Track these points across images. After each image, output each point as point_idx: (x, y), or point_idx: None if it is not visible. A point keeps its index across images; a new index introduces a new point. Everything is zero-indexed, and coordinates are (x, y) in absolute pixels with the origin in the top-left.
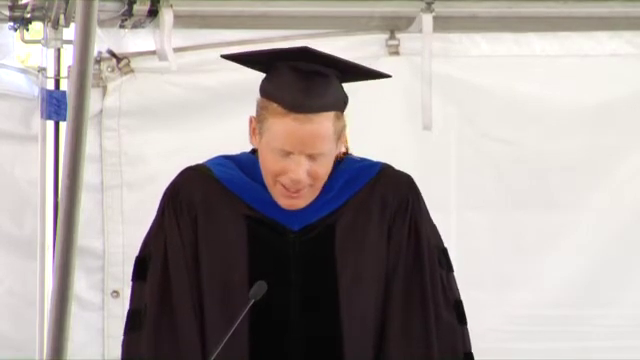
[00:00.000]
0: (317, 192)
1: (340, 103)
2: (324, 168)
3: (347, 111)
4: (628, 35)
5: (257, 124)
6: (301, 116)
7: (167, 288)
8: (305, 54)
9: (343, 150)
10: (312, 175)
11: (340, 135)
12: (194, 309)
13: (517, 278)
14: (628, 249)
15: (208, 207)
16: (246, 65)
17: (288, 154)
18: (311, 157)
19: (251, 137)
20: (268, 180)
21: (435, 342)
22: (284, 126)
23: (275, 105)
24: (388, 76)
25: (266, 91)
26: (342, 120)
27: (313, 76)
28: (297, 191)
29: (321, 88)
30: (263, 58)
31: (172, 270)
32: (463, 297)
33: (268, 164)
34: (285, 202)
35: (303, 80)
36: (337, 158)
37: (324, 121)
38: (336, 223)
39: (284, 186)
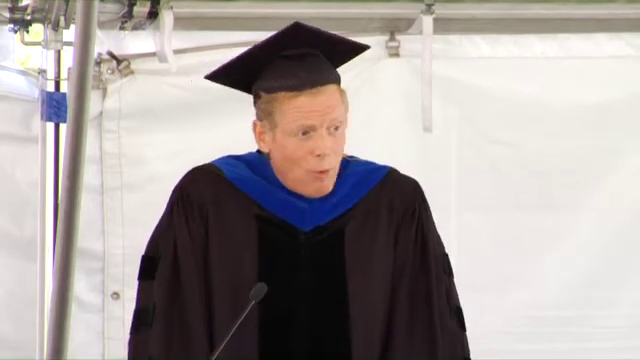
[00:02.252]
0: (335, 177)
1: (337, 77)
2: (342, 145)
3: (348, 113)
4: (628, 37)
5: (265, 122)
6: (312, 90)
7: (177, 287)
8: (294, 31)
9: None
10: (335, 151)
11: (347, 110)
12: (203, 308)
13: (517, 279)
14: (628, 250)
15: (218, 206)
16: (230, 85)
17: (309, 132)
18: (330, 131)
19: (259, 142)
20: (294, 171)
21: (440, 346)
22: (300, 105)
23: (282, 93)
24: (366, 47)
25: (266, 87)
26: (345, 95)
27: (304, 57)
28: (325, 171)
29: (316, 65)
30: (255, 52)
31: (182, 269)
32: (463, 299)
33: (291, 152)
34: (316, 186)
35: (298, 63)
36: (343, 159)
37: (332, 91)
38: (346, 226)
39: (312, 170)
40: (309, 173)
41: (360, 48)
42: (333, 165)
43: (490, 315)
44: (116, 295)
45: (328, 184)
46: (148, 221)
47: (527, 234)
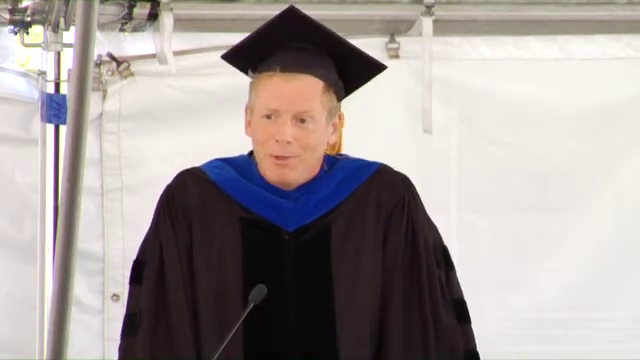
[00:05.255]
0: (308, 168)
1: (330, 77)
2: (313, 137)
3: (348, 115)
4: (627, 38)
5: (249, 107)
6: (287, 75)
7: (163, 291)
8: (290, 13)
9: (334, 140)
10: (300, 142)
11: (330, 112)
12: (189, 312)
13: (517, 281)
14: (628, 252)
15: (203, 210)
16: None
17: (273, 116)
18: (297, 121)
19: (246, 129)
20: (259, 153)
21: (433, 345)
22: (271, 85)
23: (265, 73)
24: (383, 67)
25: (259, 68)
26: (334, 100)
27: (303, 49)
28: (285, 159)
29: (310, 56)
30: (260, 36)
31: (167, 274)
32: None
33: (257, 135)
34: (275, 172)
35: (294, 51)
36: (332, 153)
37: (310, 82)
38: (332, 224)
39: (272, 155)
40: (270, 158)
41: (378, 67)
42: (295, 154)
43: (489, 316)
44: (116, 297)
45: (289, 173)
46: (148, 223)
47: (527, 236)
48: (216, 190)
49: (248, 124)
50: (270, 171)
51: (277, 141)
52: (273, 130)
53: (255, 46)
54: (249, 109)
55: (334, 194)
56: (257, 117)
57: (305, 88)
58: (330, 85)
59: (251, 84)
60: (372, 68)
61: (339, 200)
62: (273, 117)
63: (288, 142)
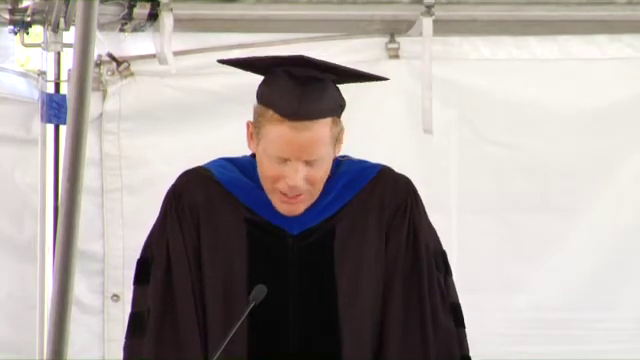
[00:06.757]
0: (316, 196)
1: (337, 108)
2: (322, 172)
3: (348, 115)
4: (628, 39)
5: (254, 129)
6: (298, 123)
7: (169, 292)
8: (301, 62)
9: (338, 152)
10: (310, 180)
11: (338, 139)
12: (197, 312)
13: (517, 281)
14: (628, 253)
15: (210, 210)
16: (243, 69)
17: (285, 161)
18: (308, 163)
19: (249, 142)
20: (266, 185)
21: (432, 346)
22: (281, 133)
23: (271, 112)
24: (385, 79)
25: (262, 97)
26: (339, 124)
27: (309, 81)
28: (295, 197)
29: (317, 94)
30: (259, 65)
31: (175, 273)
32: (463, 300)
33: (265, 170)
34: (284, 208)
35: (299, 86)
36: (336, 159)
37: (321, 127)
38: (335, 227)
39: (282, 192)
40: (279, 195)
41: (378, 79)
42: (306, 190)
43: (489, 317)
44: (116, 297)
45: (299, 207)
46: (148, 223)
47: (527, 236)
48: (221, 190)
49: (251, 139)
50: (279, 206)
51: (289, 185)
52: (285, 172)
53: (257, 64)
54: (255, 131)
55: (338, 197)
56: (265, 153)
57: (316, 135)
58: (338, 114)
59: (258, 112)
60: (372, 80)
61: (343, 203)
62: (284, 160)
63: (300, 185)
